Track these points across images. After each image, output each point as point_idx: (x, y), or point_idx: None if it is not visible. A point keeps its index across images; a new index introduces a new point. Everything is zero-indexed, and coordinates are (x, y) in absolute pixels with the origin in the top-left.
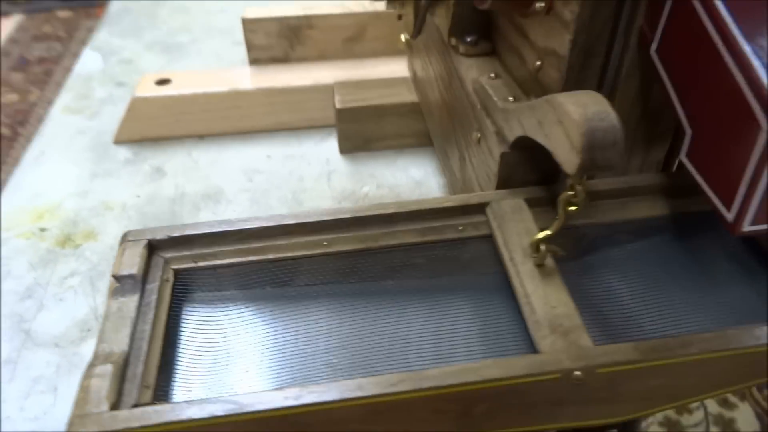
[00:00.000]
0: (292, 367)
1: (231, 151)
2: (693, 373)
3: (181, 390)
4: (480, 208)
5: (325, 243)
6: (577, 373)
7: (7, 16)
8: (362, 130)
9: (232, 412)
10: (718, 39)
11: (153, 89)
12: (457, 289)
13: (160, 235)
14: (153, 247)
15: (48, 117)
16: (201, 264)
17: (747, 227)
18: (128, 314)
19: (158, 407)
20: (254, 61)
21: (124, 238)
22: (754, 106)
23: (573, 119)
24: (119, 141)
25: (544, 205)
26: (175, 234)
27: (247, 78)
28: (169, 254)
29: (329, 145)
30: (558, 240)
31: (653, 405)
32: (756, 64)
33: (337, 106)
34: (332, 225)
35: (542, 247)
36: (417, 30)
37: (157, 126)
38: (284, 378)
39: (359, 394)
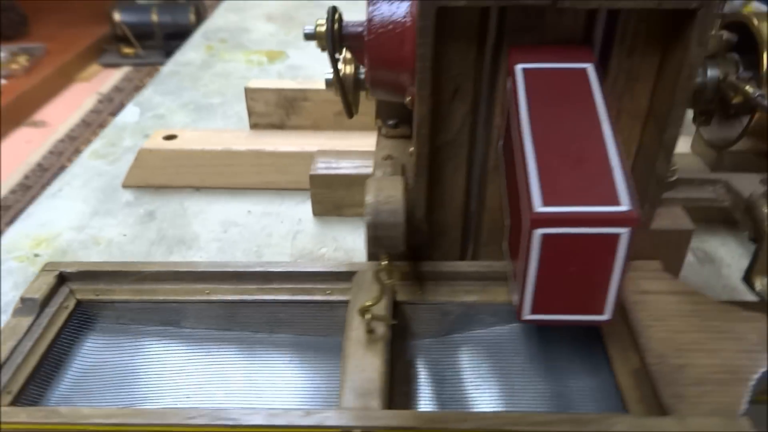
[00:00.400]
0: (148, 397)
1: (218, 204)
2: None
3: (42, 399)
4: (348, 275)
5: (207, 291)
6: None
7: (117, 67)
8: (333, 196)
9: (47, 421)
10: (518, 143)
11: (159, 143)
12: (305, 345)
13: (71, 269)
14: (64, 278)
15: (78, 158)
16: (101, 297)
17: (527, 316)
18: (19, 331)
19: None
20: (254, 125)
21: (43, 268)
22: (525, 212)
23: (366, 201)
24: (126, 185)
25: (404, 278)
26: (84, 269)
27: (242, 140)
28: (76, 286)
29: (305, 207)
30: (420, 314)
31: None
32: (533, 179)
33: (311, 172)
34: (215, 276)
35: (366, 315)
36: (348, 112)
37: (159, 175)
38: (139, 404)
39: (157, 421)
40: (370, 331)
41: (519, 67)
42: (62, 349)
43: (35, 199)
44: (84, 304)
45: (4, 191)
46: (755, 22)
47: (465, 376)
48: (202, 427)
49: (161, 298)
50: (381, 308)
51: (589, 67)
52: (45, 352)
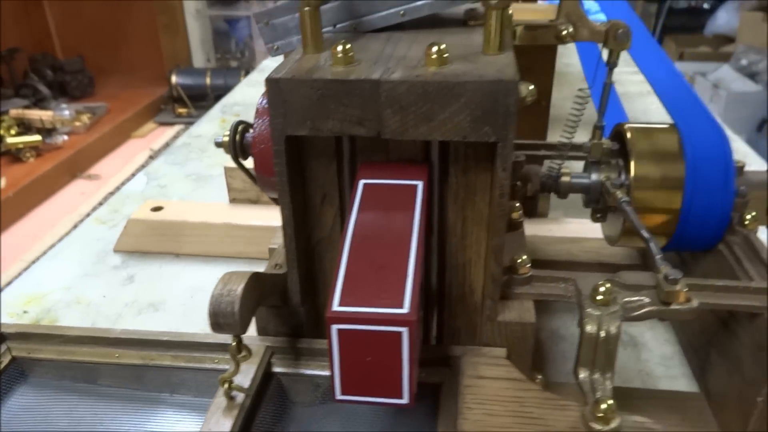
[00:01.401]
0: None
1: (192, 271)
2: None
3: None
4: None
5: (116, 355)
6: None
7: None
8: None
9: None
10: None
11: (146, 214)
12: (201, 407)
13: (10, 330)
14: (4, 337)
15: (82, 223)
16: (32, 355)
17: (339, 396)
18: None
19: None
20: (233, 200)
21: None
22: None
23: (212, 293)
24: (117, 250)
25: (282, 352)
26: (20, 330)
27: (220, 212)
28: (13, 344)
29: None
30: (293, 385)
31: None
32: (338, 281)
33: (269, 245)
34: (123, 341)
35: (225, 385)
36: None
37: (144, 243)
38: None
39: None
40: (230, 398)
41: (361, 182)
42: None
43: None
44: (18, 360)
45: (55, 239)
46: (628, 135)
47: None
48: None
49: (79, 359)
50: (245, 379)
51: (419, 184)
52: None
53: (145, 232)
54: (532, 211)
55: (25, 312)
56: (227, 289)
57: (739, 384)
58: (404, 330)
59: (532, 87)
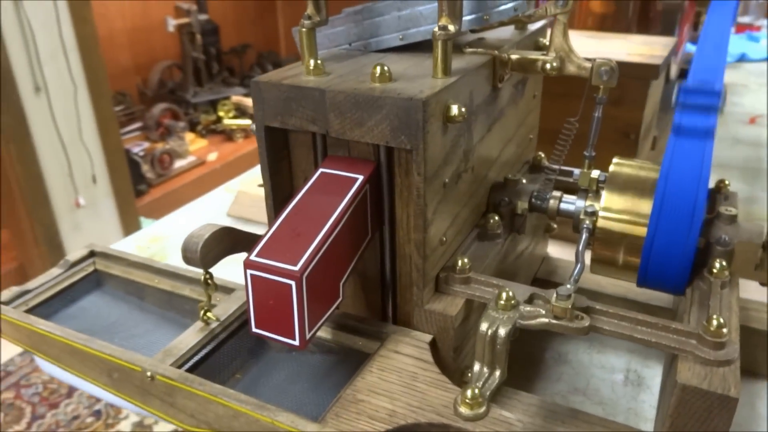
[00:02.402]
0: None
1: None
2: None
3: (48, 315)
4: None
5: (156, 281)
6: None
7: None
8: None
9: (24, 321)
10: None
11: (253, 188)
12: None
13: (99, 249)
14: (94, 254)
15: (215, 190)
16: (107, 270)
17: (253, 329)
18: (51, 275)
19: None
20: None
21: (88, 247)
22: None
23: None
24: (229, 215)
25: None
26: (104, 251)
27: None
28: (98, 260)
29: None
30: None
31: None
32: (263, 239)
33: None
34: (161, 272)
35: (201, 311)
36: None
37: (248, 212)
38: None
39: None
40: (206, 323)
41: (320, 170)
42: (75, 292)
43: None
44: (98, 272)
45: None
46: (611, 167)
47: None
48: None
49: (133, 278)
50: (224, 313)
51: (360, 178)
52: (60, 291)
53: (250, 203)
54: (519, 227)
55: (148, 247)
56: (198, 233)
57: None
58: (292, 283)
59: (463, 109)
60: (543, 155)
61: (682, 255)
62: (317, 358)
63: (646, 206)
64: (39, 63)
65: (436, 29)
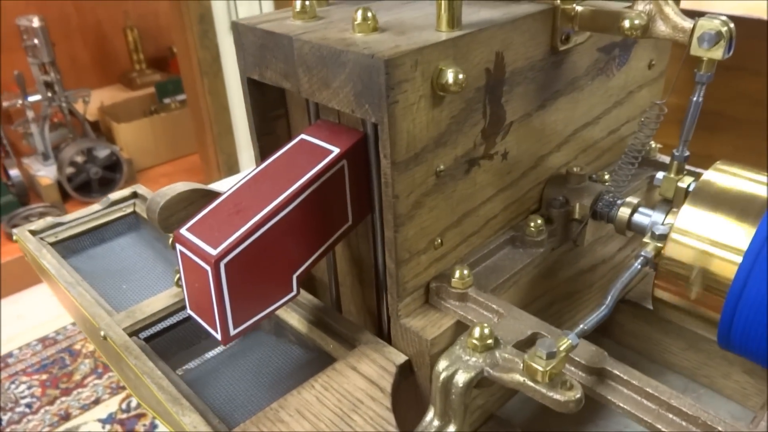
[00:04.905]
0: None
1: None
2: None
3: (78, 249)
4: None
5: None
6: None
7: None
8: None
9: (36, 251)
10: None
11: None
12: None
13: (141, 192)
14: (137, 195)
15: None
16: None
17: (187, 311)
18: (90, 210)
19: None
20: None
21: (132, 189)
22: None
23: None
24: None
25: None
26: (143, 193)
27: None
28: (138, 202)
29: None
30: None
31: None
32: (202, 212)
33: None
34: None
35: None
36: None
37: None
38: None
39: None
40: (179, 287)
41: (300, 136)
42: (108, 231)
43: None
44: (136, 213)
45: None
46: (704, 174)
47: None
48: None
49: None
50: None
51: (334, 151)
52: (93, 228)
53: None
54: (576, 236)
55: None
56: (163, 192)
57: None
58: (208, 267)
59: (461, 75)
60: (656, 146)
61: None
62: (293, 350)
63: (743, 235)
64: (235, 3)
65: None
